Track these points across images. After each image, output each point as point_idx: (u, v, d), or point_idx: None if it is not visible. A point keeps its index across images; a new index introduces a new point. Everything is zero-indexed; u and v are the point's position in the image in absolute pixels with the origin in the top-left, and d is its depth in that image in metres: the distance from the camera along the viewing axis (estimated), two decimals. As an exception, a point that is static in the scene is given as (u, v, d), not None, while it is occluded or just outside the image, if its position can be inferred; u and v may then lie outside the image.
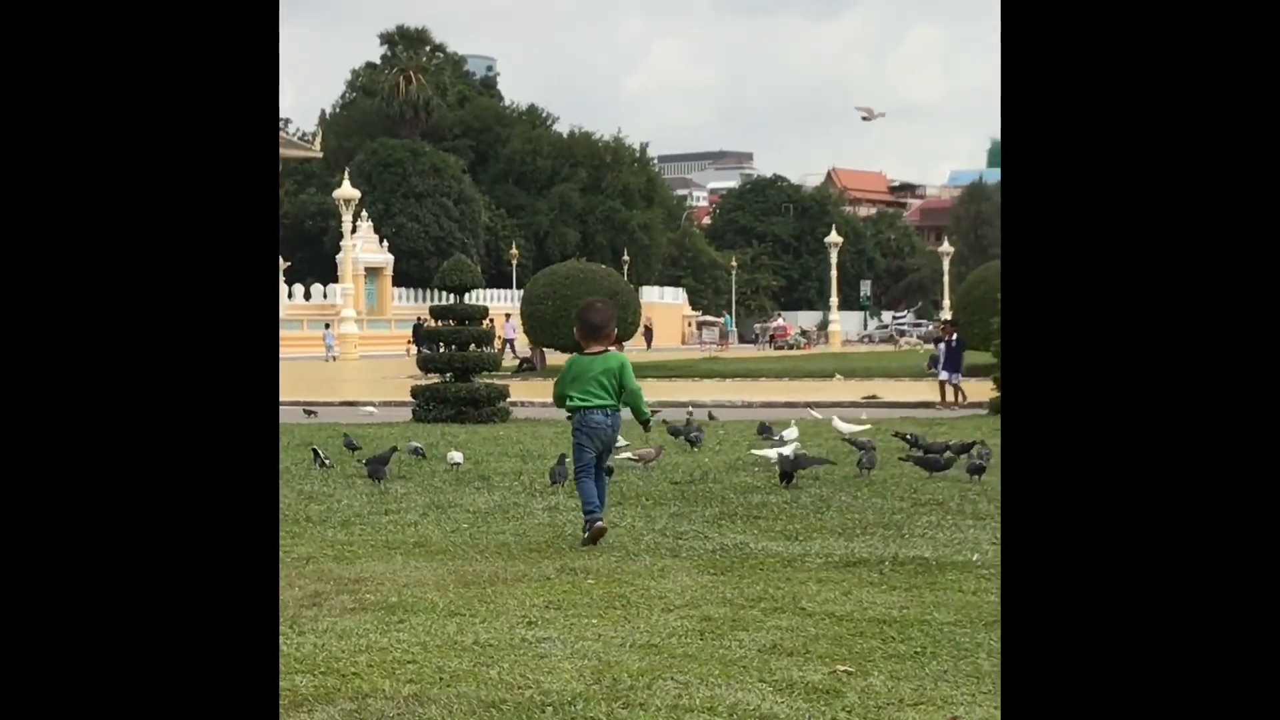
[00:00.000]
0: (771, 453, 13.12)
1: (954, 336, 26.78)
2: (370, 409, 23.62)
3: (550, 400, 10.09)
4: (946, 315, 56.17)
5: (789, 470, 11.98)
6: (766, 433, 16.28)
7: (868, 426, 17.16)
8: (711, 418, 20.10)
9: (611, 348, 9.35)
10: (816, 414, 20.80)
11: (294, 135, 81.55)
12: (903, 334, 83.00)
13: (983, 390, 25.14)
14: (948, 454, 13.25)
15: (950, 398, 26.14)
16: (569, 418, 9.41)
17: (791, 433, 15.63)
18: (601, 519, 8.96)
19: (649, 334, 68.96)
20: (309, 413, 21.70)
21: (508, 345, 50.12)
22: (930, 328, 50.97)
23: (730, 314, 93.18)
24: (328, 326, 61.05)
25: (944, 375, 26.41)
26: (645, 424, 9.97)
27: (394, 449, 13.70)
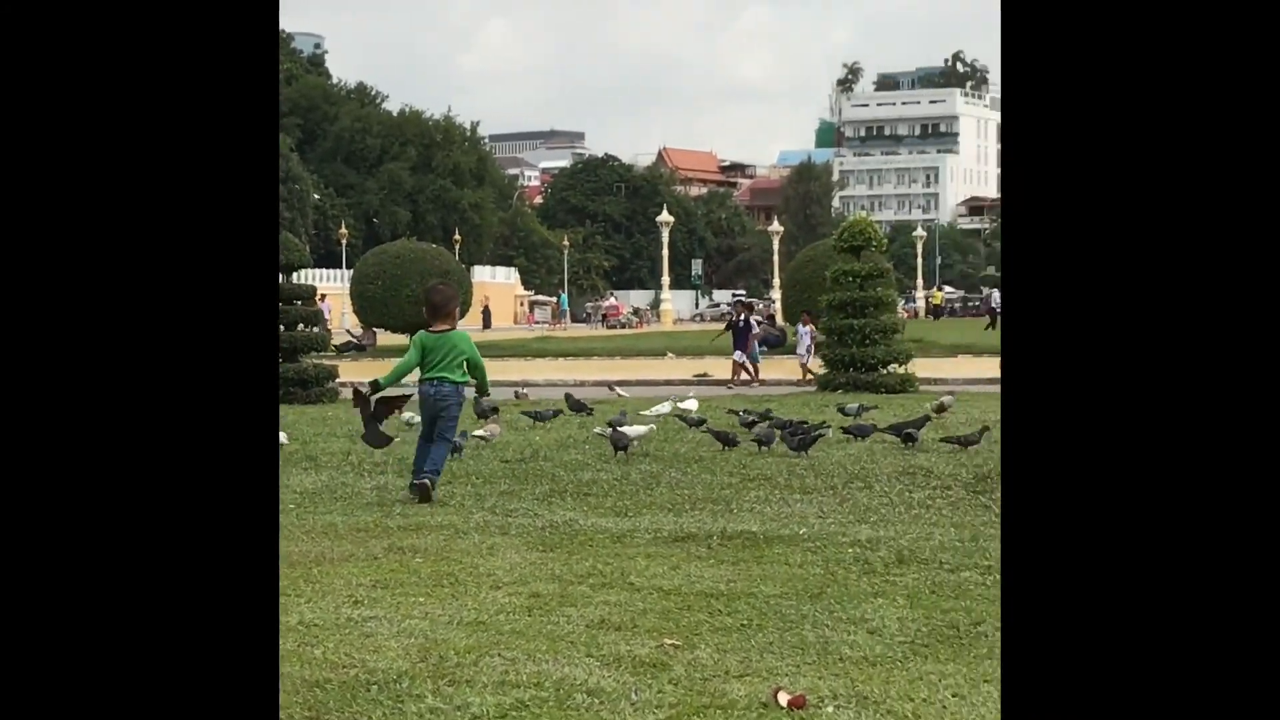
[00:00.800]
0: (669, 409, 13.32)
1: (744, 317, 27.53)
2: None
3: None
4: (775, 295, 56.89)
5: (623, 444, 12.27)
6: (577, 408, 16.61)
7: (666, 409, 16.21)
8: (518, 396, 19.82)
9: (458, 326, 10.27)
10: (623, 392, 21.25)
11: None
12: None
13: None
14: (765, 425, 13.63)
15: (737, 375, 26.86)
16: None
17: (691, 404, 16.19)
18: (426, 482, 9.72)
19: (487, 314, 68.65)
20: None
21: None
22: (761, 307, 51.84)
23: (564, 293, 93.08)
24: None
25: (737, 356, 27.05)
26: (485, 393, 11.30)
27: None
